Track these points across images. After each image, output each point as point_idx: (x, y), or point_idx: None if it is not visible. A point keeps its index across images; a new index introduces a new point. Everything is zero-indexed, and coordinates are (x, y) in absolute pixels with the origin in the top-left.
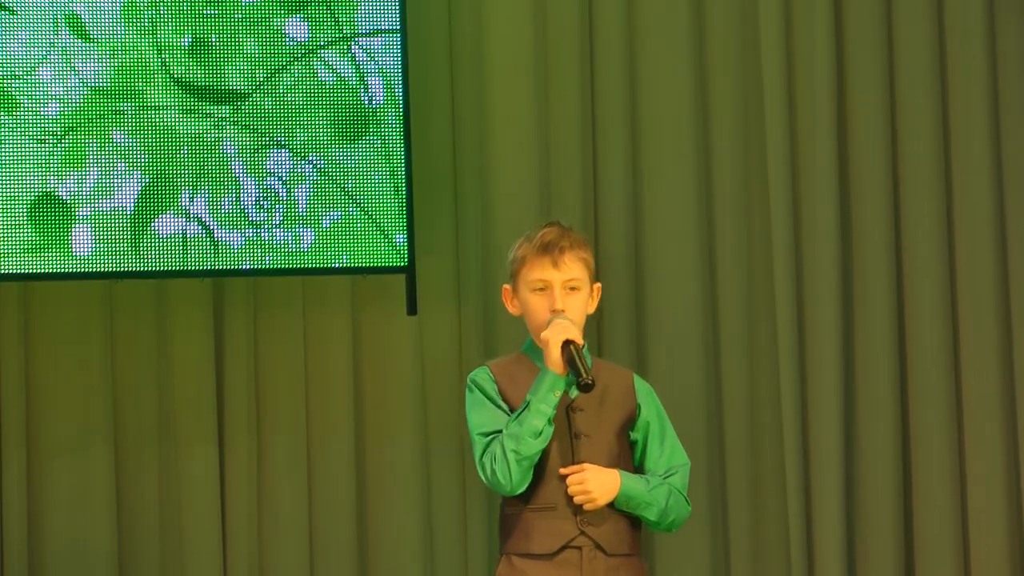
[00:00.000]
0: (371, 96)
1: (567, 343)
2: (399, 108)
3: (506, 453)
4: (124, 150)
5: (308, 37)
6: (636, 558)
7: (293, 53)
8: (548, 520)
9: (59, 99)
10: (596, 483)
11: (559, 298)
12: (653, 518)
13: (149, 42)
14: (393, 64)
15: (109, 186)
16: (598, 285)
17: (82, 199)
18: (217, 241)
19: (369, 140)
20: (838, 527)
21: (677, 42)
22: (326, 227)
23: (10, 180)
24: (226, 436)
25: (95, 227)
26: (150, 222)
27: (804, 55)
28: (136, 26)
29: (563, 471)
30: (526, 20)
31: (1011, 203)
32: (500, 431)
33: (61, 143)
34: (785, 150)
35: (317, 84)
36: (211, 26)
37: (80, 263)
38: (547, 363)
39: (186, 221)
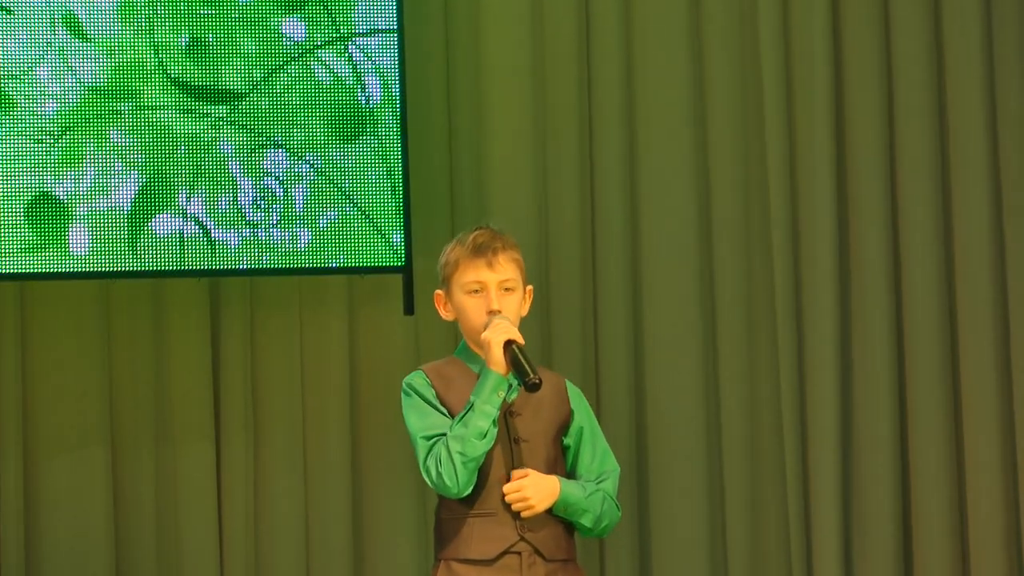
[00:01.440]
0: (368, 96)
1: (509, 343)
2: (396, 108)
3: (452, 455)
4: (121, 149)
5: (305, 37)
6: (573, 563)
7: (290, 53)
8: (488, 526)
9: (56, 98)
10: (535, 489)
11: (495, 299)
12: (588, 524)
13: (146, 42)
14: (390, 64)
15: (106, 185)
16: (530, 287)
17: (79, 198)
18: (214, 240)
19: (366, 140)
20: (837, 527)
21: (675, 42)
22: (323, 227)
23: (7, 179)
24: (223, 435)
25: (92, 226)
26: (147, 221)
27: (802, 55)
28: (133, 26)
29: (514, 474)
30: (523, 20)
31: (1009, 203)
32: (443, 434)
33: (58, 142)
34: (783, 151)
35: (314, 84)
36: (208, 26)
37: (77, 262)
38: (489, 364)
39: (183, 220)
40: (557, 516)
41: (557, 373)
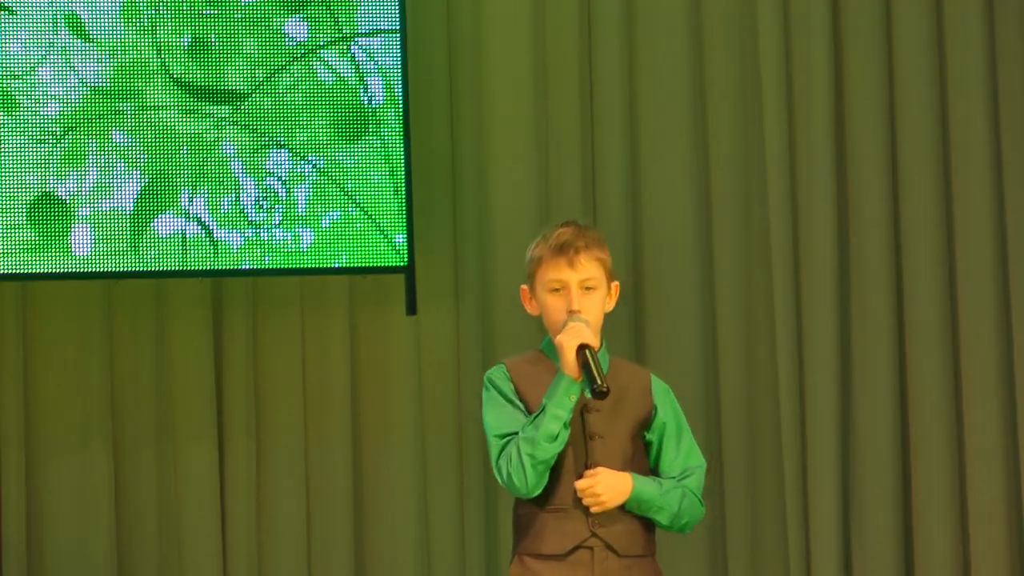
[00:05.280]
0: (371, 96)
1: (582, 347)
2: (399, 108)
3: (522, 457)
4: (123, 150)
5: (307, 37)
6: (650, 559)
7: (293, 53)
8: (560, 521)
9: (58, 99)
10: (606, 486)
11: (575, 298)
12: (665, 521)
13: (149, 42)
14: (393, 64)
15: (108, 186)
16: (616, 284)
17: (81, 199)
18: (216, 241)
19: (368, 140)
20: (836, 527)
21: (676, 42)
22: (325, 227)
23: (10, 180)
24: (225, 435)
25: (94, 227)
26: (149, 222)
27: (802, 55)
28: (136, 26)
29: (586, 473)
30: (525, 20)
31: (1011, 202)
32: (516, 433)
33: (61, 143)
34: (784, 150)
35: (316, 84)
36: (210, 26)
37: (79, 263)
38: (562, 367)
39: (185, 221)
40: (633, 512)
41: (644, 368)
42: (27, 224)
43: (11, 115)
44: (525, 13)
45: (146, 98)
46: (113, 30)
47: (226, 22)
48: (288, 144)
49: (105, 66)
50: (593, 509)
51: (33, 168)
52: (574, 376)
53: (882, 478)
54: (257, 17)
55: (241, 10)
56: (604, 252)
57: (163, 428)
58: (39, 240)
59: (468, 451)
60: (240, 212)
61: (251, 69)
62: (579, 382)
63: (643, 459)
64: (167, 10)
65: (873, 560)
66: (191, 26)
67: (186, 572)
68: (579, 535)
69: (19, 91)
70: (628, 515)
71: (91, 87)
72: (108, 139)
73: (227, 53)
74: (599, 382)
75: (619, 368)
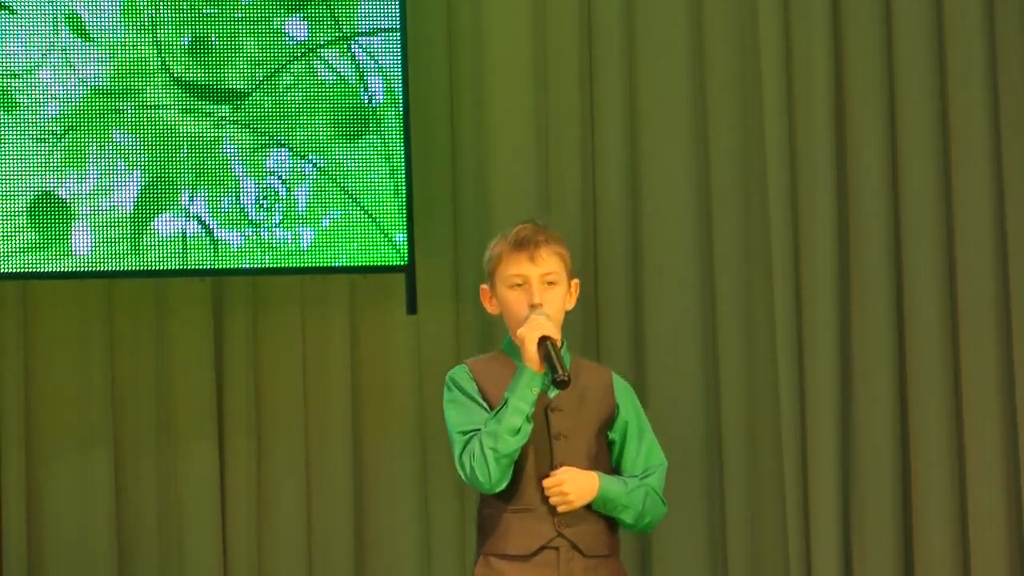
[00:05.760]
0: (371, 95)
1: (543, 339)
2: (399, 107)
3: (484, 451)
4: (124, 150)
5: (308, 36)
6: (614, 559)
7: (293, 52)
8: (526, 521)
9: (59, 99)
10: (573, 485)
11: (537, 292)
12: (629, 520)
13: (149, 41)
14: (393, 63)
15: (109, 185)
16: (576, 281)
17: (82, 198)
18: (217, 240)
19: (369, 139)
20: (836, 527)
21: (676, 41)
22: (326, 226)
23: (10, 179)
24: (225, 435)
25: (95, 226)
26: (150, 221)
27: (803, 54)
28: (136, 26)
29: (546, 483)
30: (526, 19)
31: (1011, 202)
32: (479, 429)
33: (61, 142)
34: (784, 149)
35: (317, 83)
36: (211, 25)
37: (80, 262)
38: (524, 360)
39: (186, 220)
40: (598, 512)
41: (605, 367)
42: (27, 224)
43: (11, 114)
44: (525, 11)
45: (146, 97)
46: (114, 30)
47: (226, 21)
48: (288, 143)
49: (105, 66)
50: (560, 508)
51: (33, 168)
52: (536, 368)
53: (882, 477)
54: (257, 16)
55: (241, 9)
56: (564, 248)
57: (163, 427)
58: (39, 240)
59: None
60: (240, 211)
61: (251, 68)
62: (541, 374)
63: (607, 458)
64: (167, 9)
65: (873, 560)
66: (191, 25)
67: (186, 571)
68: (545, 535)
69: (19, 90)
70: (593, 515)
71: (91, 87)
72: (108, 139)
73: (227, 52)
74: (560, 372)
75: (581, 367)
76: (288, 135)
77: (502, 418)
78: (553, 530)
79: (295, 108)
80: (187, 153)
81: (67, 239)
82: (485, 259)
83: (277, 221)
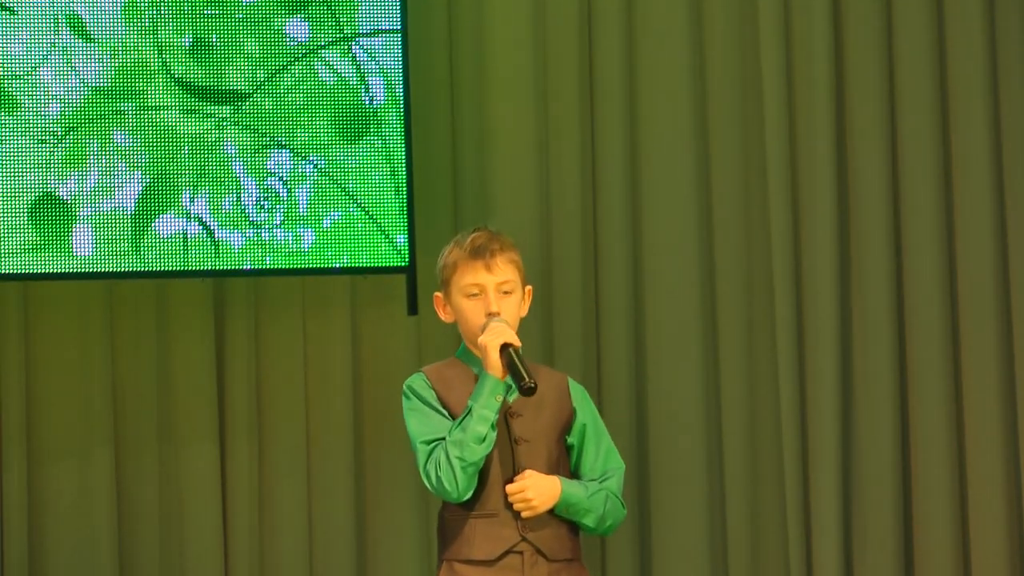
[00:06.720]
0: (372, 96)
1: (505, 346)
2: (400, 108)
3: (451, 460)
4: (125, 150)
5: (309, 37)
6: (577, 563)
7: (294, 53)
8: (490, 526)
9: (60, 99)
10: (537, 490)
11: (494, 301)
12: (591, 524)
13: (150, 42)
14: (394, 64)
15: (110, 186)
16: (529, 288)
17: (83, 199)
18: (218, 241)
19: (370, 140)
20: (837, 527)
21: (676, 42)
22: (327, 227)
23: (10, 180)
24: (226, 436)
25: (96, 227)
26: (151, 222)
27: (803, 54)
28: (137, 26)
29: (509, 488)
30: (526, 20)
31: (1011, 202)
32: (443, 438)
33: (62, 143)
34: (784, 150)
35: (318, 84)
36: (212, 26)
37: (80, 263)
38: (486, 368)
39: (187, 221)
40: (560, 516)
41: (560, 372)
42: (28, 224)
43: (12, 115)
44: (526, 13)
45: (147, 98)
46: (114, 30)
47: (227, 22)
48: (289, 144)
49: (106, 66)
50: (524, 513)
51: (34, 168)
52: (498, 376)
53: (882, 477)
54: (258, 17)
55: (242, 10)
56: (517, 255)
57: (164, 428)
58: (40, 240)
59: None
60: (241, 212)
61: (252, 69)
62: (504, 381)
63: (566, 462)
64: (168, 10)
65: (873, 559)
66: (192, 26)
67: (187, 572)
68: (509, 540)
69: (20, 91)
70: (556, 519)
71: (92, 87)
72: (109, 139)
73: (228, 53)
74: (527, 379)
75: (539, 372)
76: (289, 136)
77: (467, 427)
78: (517, 535)
79: (296, 109)
80: (188, 154)
81: (68, 239)
82: (439, 267)
83: (278, 222)
